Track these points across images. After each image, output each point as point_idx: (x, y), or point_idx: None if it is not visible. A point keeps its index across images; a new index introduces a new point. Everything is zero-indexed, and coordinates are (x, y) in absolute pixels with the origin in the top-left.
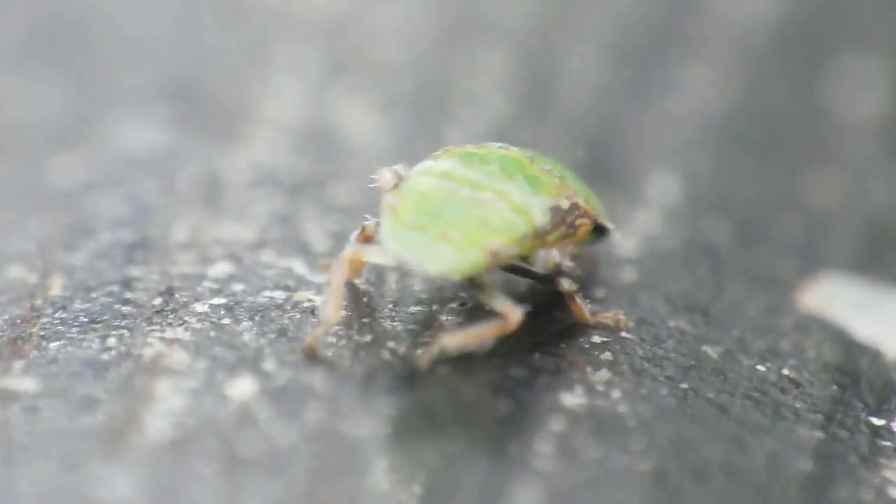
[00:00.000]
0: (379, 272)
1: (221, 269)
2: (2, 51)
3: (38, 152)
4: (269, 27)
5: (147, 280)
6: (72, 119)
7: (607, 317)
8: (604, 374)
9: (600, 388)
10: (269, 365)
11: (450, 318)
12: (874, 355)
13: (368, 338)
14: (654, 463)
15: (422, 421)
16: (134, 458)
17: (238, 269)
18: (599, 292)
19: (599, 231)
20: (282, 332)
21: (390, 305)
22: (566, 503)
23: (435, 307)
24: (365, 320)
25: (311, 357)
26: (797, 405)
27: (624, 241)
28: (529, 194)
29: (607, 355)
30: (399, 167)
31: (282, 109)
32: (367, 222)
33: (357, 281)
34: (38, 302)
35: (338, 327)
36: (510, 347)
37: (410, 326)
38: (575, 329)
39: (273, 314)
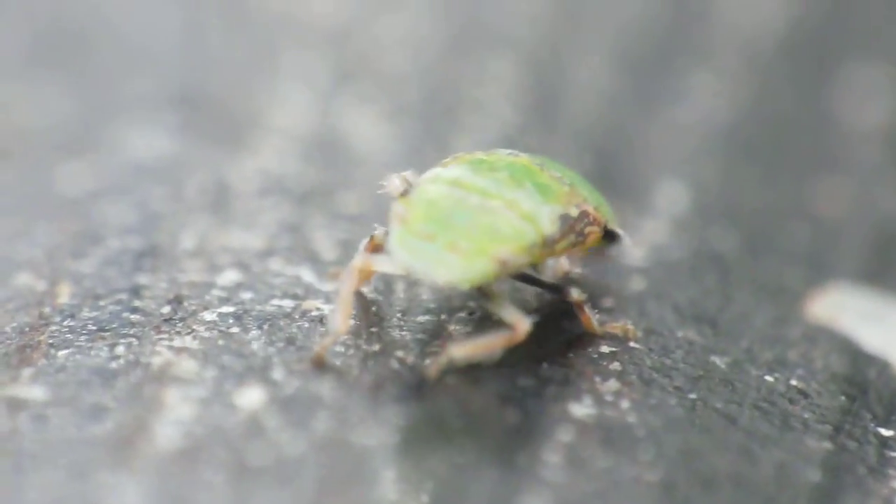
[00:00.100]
0: (387, 281)
1: (230, 277)
2: (9, 58)
3: (45, 160)
4: (277, 35)
5: (155, 288)
6: (79, 126)
7: (615, 327)
8: (612, 384)
9: (609, 398)
10: (277, 374)
11: (458, 327)
12: (882, 366)
13: (377, 347)
14: (662, 473)
15: (430, 431)
16: (142, 466)
17: (246, 278)
18: (607, 302)
19: (610, 237)
20: (290, 341)
21: (399, 315)
22: None
23: (443, 317)
24: (373, 329)
25: (320, 366)
26: (805, 416)
27: (632, 251)
28: (538, 202)
29: (616, 365)
30: (408, 173)
31: (289, 117)
32: (375, 231)
33: (365, 290)
34: (47, 310)
35: (346, 336)
36: (518, 357)
37: (419, 336)
38: (583, 339)
39: (281, 323)
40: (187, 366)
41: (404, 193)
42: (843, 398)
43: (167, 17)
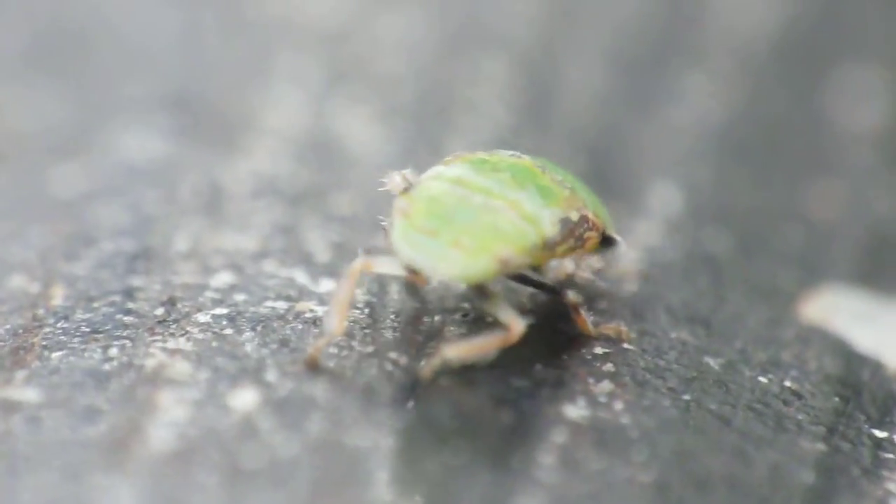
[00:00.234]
0: (381, 283)
1: (223, 279)
2: (3, 60)
3: (39, 162)
4: (271, 37)
5: (149, 290)
6: (73, 128)
7: (609, 328)
8: (606, 385)
9: (602, 399)
10: (271, 376)
11: (452, 328)
12: (876, 367)
13: (370, 349)
14: (656, 474)
15: (424, 432)
16: (136, 468)
17: (240, 280)
18: (601, 303)
19: (607, 243)
20: (284, 343)
21: (392, 316)
22: None
23: (437, 318)
24: (367, 331)
25: (313, 368)
26: (799, 417)
27: (625, 252)
28: (540, 205)
29: (609, 367)
30: (408, 172)
31: (283, 119)
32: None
33: (358, 291)
34: (40, 312)
35: (340, 338)
36: (512, 359)
37: (413, 337)
38: (577, 340)
39: (275, 325)
40: (181, 368)
41: (405, 190)
42: (836, 399)
43: (162, 20)
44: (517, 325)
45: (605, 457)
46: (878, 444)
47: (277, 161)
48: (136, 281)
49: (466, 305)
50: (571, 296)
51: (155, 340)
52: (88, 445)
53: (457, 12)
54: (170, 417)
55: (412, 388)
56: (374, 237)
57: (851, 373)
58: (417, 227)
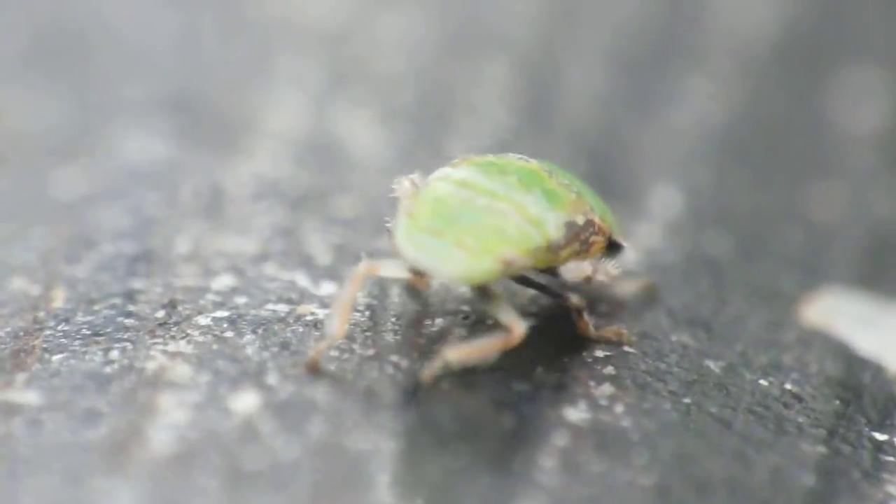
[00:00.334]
0: (382, 285)
1: (224, 281)
2: (3, 61)
3: (40, 164)
4: (271, 39)
5: (150, 293)
6: (74, 130)
7: (610, 331)
8: (607, 388)
9: (603, 402)
10: (271, 379)
11: (452, 331)
12: (877, 370)
13: (371, 352)
14: (657, 477)
15: (425, 435)
16: (137, 471)
17: (240, 282)
18: (601, 306)
19: (613, 247)
20: (284, 346)
21: (393, 319)
22: None
23: (438, 321)
24: (368, 334)
25: (314, 371)
26: (800, 420)
27: (626, 255)
28: (546, 208)
29: (610, 370)
30: (416, 176)
31: (284, 121)
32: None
33: (359, 294)
34: (41, 314)
35: (341, 341)
36: (513, 362)
37: (413, 340)
38: (577, 343)
39: (276, 327)
40: (181, 370)
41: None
42: (837, 402)
43: (162, 21)
44: (518, 328)
45: (605, 460)
46: (879, 446)
47: (278, 163)
48: (137, 283)
49: (467, 308)
50: (575, 300)
51: (156, 343)
52: (89, 448)
53: (457, 13)
54: (170, 420)
55: (413, 391)
56: (375, 240)
57: (852, 376)
58: (421, 227)
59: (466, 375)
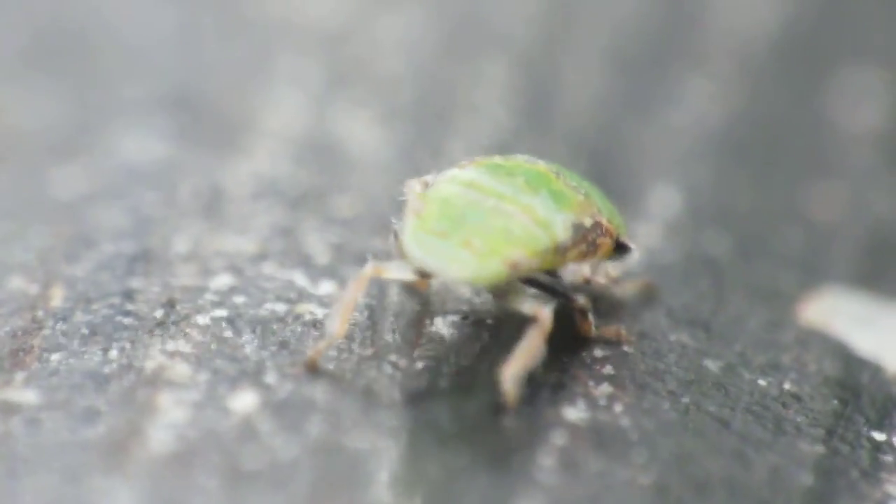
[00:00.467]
0: (381, 285)
1: (223, 281)
2: (4, 61)
3: (39, 163)
4: (271, 38)
5: (148, 292)
6: (73, 130)
7: (609, 330)
8: (606, 388)
9: (602, 402)
10: (270, 378)
11: (452, 331)
12: (875, 370)
13: (370, 351)
14: (655, 477)
15: (424, 434)
16: (136, 470)
17: (239, 282)
18: (601, 305)
19: (620, 249)
20: (283, 345)
21: (392, 318)
22: None
23: (438, 320)
24: (366, 333)
25: (313, 370)
26: (798, 420)
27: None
28: (553, 210)
29: (609, 369)
30: (429, 178)
31: (283, 121)
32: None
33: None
34: (40, 313)
35: (339, 340)
36: None
37: (413, 340)
38: (577, 343)
39: (274, 327)
40: (180, 370)
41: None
42: (835, 402)
43: (162, 20)
44: (543, 313)
45: (604, 459)
46: (877, 446)
47: (277, 163)
48: (136, 283)
49: (465, 308)
50: (582, 301)
51: (154, 342)
52: (88, 447)
53: (456, 13)
54: (169, 419)
55: (412, 391)
56: (373, 239)
57: (851, 376)
58: (428, 228)
59: (465, 375)
